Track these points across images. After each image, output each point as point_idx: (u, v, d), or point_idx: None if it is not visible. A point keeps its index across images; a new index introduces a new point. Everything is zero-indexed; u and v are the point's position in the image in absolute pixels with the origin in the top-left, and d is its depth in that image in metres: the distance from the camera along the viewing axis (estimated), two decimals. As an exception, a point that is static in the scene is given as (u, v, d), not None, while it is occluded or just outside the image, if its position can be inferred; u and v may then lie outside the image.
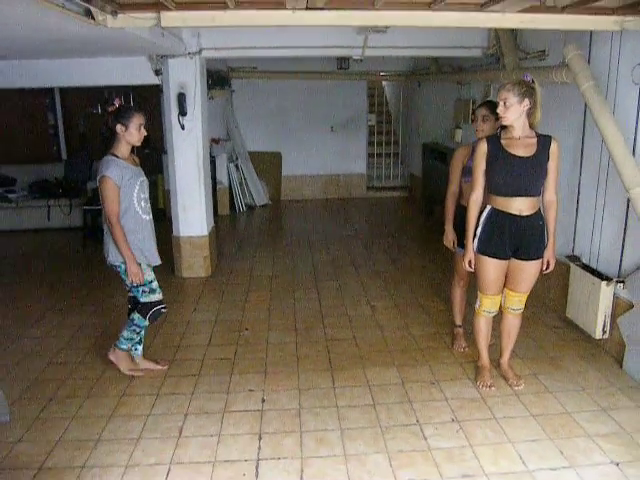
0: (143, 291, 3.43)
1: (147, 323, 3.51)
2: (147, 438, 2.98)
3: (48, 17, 2.52)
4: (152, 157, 8.01)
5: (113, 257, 3.35)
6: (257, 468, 2.71)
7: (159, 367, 3.71)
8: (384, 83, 11.06)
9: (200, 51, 5.03)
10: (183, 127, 5.18)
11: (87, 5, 2.45)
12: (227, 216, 8.54)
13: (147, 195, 3.44)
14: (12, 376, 3.62)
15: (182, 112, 5.12)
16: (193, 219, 5.48)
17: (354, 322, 4.44)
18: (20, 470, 2.73)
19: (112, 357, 3.62)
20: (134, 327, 3.51)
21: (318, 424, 3.07)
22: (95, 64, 5.12)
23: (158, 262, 3.53)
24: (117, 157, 3.26)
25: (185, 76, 5.08)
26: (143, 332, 3.65)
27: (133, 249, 3.29)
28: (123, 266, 3.33)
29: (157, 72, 5.15)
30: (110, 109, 3.21)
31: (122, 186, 3.23)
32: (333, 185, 9.83)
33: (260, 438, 2.95)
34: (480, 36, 5.11)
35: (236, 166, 8.85)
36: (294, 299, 4.97)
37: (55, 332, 4.33)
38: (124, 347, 3.60)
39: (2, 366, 3.73)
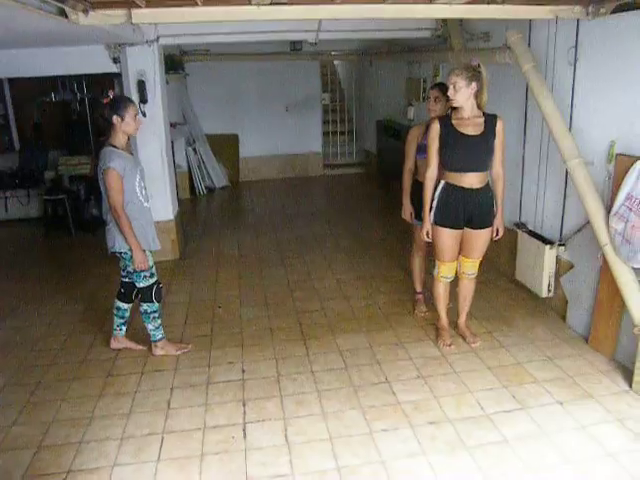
0: (144, 276, 3.55)
1: (157, 304, 3.66)
2: (138, 412, 3.18)
3: (20, 16, 2.61)
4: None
5: (119, 245, 3.44)
6: (244, 430, 2.97)
7: (139, 347, 3.89)
8: (336, 62, 11.23)
9: (158, 39, 5.10)
10: (144, 114, 5.25)
11: (61, 5, 2.55)
12: (188, 200, 8.61)
13: (145, 183, 3.53)
14: (-4, 365, 3.74)
15: (143, 99, 5.19)
16: (159, 204, 5.55)
17: (322, 294, 4.71)
18: (20, 450, 2.89)
19: (159, 352, 3.78)
20: (152, 315, 3.67)
21: (296, 388, 3.35)
22: (50, 54, 5.09)
23: (159, 247, 3.66)
24: (116, 148, 3.32)
25: (144, 64, 5.14)
26: (128, 314, 3.83)
27: (137, 236, 3.41)
28: (129, 253, 3.44)
29: (115, 60, 5.19)
30: (105, 101, 3.25)
31: (124, 176, 3.31)
32: (290, 164, 10.01)
33: (244, 404, 3.21)
34: (429, 19, 5.36)
35: (194, 149, 8.90)
36: (262, 276, 5.20)
37: (31, 321, 4.43)
38: (159, 337, 3.77)
39: (-15, 356, 3.84)
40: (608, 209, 3.40)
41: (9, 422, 3.12)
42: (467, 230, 3.53)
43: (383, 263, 5.40)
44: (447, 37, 5.44)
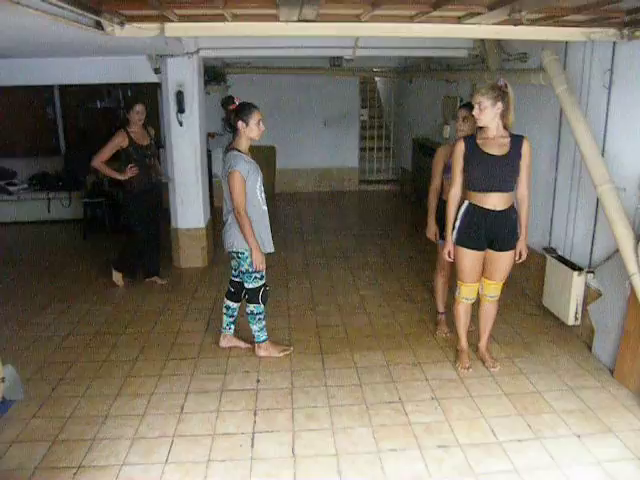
0: (255, 277, 3.68)
1: (263, 306, 3.78)
2: (151, 414, 3.24)
3: (61, 28, 2.74)
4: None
5: (239, 244, 3.57)
6: (253, 440, 2.99)
7: (247, 346, 4.00)
8: (376, 79, 11.27)
9: (198, 51, 5.25)
10: (181, 124, 5.40)
11: (97, 18, 2.67)
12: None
13: (263, 187, 3.65)
14: (23, 359, 3.86)
15: (180, 109, 5.34)
16: (191, 212, 5.71)
17: (344, 310, 4.71)
18: (36, 442, 2.98)
19: (262, 352, 3.89)
20: (258, 316, 3.79)
21: (308, 401, 3.35)
22: (96, 63, 5.32)
23: (272, 249, 3.77)
24: (241, 152, 3.48)
25: (183, 75, 5.29)
26: (237, 313, 3.99)
27: (256, 237, 3.53)
28: (246, 253, 3.57)
29: (156, 70, 5.35)
30: (231, 107, 3.42)
31: (247, 179, 3.45)
32: (326, 178, 10.07)
33: (255, 414, 3.22)
34: (466, 39, 5.34)
35: (232, 160, 9.04)
36: (287, 288, 5.23)
37: (61, 319, 4.58)
38: (264, 338, 3.88)
39: (14, 350, 3.97)
40: (638, 237, 3.30)
41: (29, 415, 3.23)
42: (489, 252, 3.48)
43: (408, 281, 5.35)
44: (484, 57, 5.41)
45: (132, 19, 2.89)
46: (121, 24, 2.85)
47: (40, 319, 4.58)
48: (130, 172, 4.91)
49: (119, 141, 4.90)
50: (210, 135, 8.15)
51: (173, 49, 4.82)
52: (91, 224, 7.18)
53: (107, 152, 4.89)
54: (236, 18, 2.90)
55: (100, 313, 4.69)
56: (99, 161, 4.86)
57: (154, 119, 7.95)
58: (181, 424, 3.14)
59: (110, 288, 5.24)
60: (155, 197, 5.20)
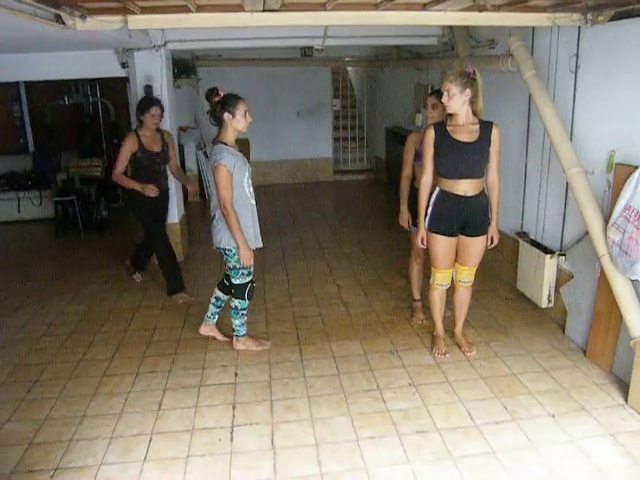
0: (242, 273, 3.63)
1: (248, 302, 3.74)
2: (129, 413, 3.21)
3: (19, 22, 2.66)
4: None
5: (226, 241, 3.51)
6: (232, 433, 2.98)
7: (225, 339, 3.98)
8: (349, 68, 11.25)
9: (165, 44, 5.16)
10: (151, 118, 5.31)
11: (57, 11, 2.61)
12: (197, 203, 8.69)
13: (251, 181, 3.59)
14: (-4, 362, 3.80)
15: (150, 104, 5.25)
16: (165, 207, 5.63)
17: (320, 300, 4.72)
18: (11, 446, 2.93)
19: (240, 346, 3.86)
20: (241, 312, 3.75)
21: (287, 393, 3.35)
22: (62, 58, 5.20)
23: (261, 244, 3.71)
24: (226, 145, 3.40)
25: (151, 68, 5.21)
26: (224, 305, 3.95)
27: (244, 233, 3.47)
28: (234, 250, 3.51)
29: (124, 65, 5.26)
30: (216, 99, 3.34)
31: (234, 173, 3.37)
32: (301, 169, 10.05)
33: (234, 407, 3.22)
34: (434, 26, 5.35)
35: (204, 153, 8.93)
36: (264, 281, 5.21)
37: (34, 320, 4.50)
38: (243, 332, 3.85)
39: (-15, 353, 3.91)
40: (607, 219, 3.36)
41: (4, 419, 3.17)
42: (462, 237, 3.51)
43: (384, 270, 5.38)
44: (454, 44, 5.43)
45: (94, 12, 2.82)
46: (82, 17, 2.78)
47: (13, 321, 4.49)
48: (149, 190, 4.50)
49: (130, 145, 4.50)
50: (182, 129, 8.06)
51: (139, 42, 4.73)
52: (63, 223, 7.05)
53: (123, 160, 4.50)
54: (200, 9, 2.86)
55: (74, 312, 4.62)
56: (118, 173, 4.49)
57: (123, 113, 7.85)
58: (159, 421, 3.12)
59: (84, 287, 5.17)
60: (163, 205, 4.93)
